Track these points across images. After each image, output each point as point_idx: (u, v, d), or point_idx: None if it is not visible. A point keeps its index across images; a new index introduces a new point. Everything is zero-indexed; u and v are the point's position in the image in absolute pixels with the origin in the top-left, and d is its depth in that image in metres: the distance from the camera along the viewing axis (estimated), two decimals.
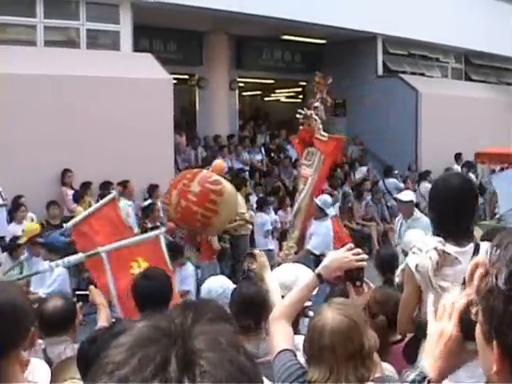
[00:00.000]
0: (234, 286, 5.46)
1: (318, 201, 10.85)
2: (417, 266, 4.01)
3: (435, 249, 3.98)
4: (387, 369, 3.57)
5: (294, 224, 10.46)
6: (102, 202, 7.50)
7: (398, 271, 4.34)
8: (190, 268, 11.14)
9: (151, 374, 1.06)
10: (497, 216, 15.00)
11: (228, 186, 7.38)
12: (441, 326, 1.75)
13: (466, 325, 1.69)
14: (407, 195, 10.99)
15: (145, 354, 1.10)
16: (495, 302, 1.39)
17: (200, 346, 1.12)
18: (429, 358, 1.82)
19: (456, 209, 4.08)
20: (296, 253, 10.34)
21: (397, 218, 11.09)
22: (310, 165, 10.41)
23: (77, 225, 7.01)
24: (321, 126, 10.47)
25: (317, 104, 10.81)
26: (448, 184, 4.21)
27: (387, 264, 6.52)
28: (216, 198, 7.10)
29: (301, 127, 10.59)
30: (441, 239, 4.04)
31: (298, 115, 10.69)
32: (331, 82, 10.96)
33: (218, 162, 9.40)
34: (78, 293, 5.25)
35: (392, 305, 4.61)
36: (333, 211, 11.16)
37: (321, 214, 11.01)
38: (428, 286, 3.99)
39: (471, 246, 4.05)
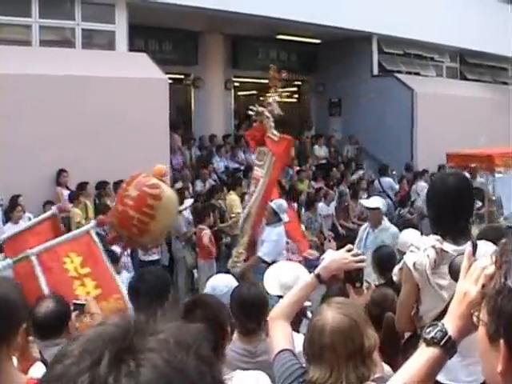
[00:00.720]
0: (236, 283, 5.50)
1: (273, 205, 10.09)
2: (414, 263, 4.02)
3: (433, 247, 3.99)
4: (388, 370, 3.56)
5: (243, 229, 9.86)
6: (40, 217, 7.32)
7: (395, 270, 4.33)
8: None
9: (86, 367, 1.10)
10: (503, 217, 15.15)
11: (167, 191, 7.11)
12: (466, 287, 1.79)
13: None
14: (373, 201, 10.36)
15: (86, 347, 1.14)
16: (504, 302, 1.40)
17: (143, 344, 1.13)
18: (451, 316, 1.84)
19: (453, 207, 4.09)
20: (246, 260, 9.81)
21: (363, 227, 10.24)
22: (262, 165, 9.92)
23: (10, 240, 6.77)
24: (272, 124, 10.06)
25: (270, 100, 10.36)
26: (445, 183, 4.22)
27: (385, 263, 6.51)
28: (153, 202, 6.78)
29: (254, 124, 10.28)
30: (439, 237, 4.05)
31: (249, 111, 10.34)
32: (285, 75, 10.50)
33: (159, 167, 8.95)
34: (74, 301, 5.24)
35: (389, 304, 4.62)
36: (286, 218, 10.17)
37: (274, 218, 10.05)
38: (426, 284, 4.00)
39: (468, 244, 4.05)
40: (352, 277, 3.58)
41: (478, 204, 14.36)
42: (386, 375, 3.29)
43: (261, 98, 28.30)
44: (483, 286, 1.69)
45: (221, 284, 5.58)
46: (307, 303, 4.26)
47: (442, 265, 3.97)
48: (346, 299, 3.37)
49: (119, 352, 1.11)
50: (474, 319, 1.64)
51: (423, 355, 1.83)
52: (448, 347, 1.81)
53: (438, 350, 1.81)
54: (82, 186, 13.37)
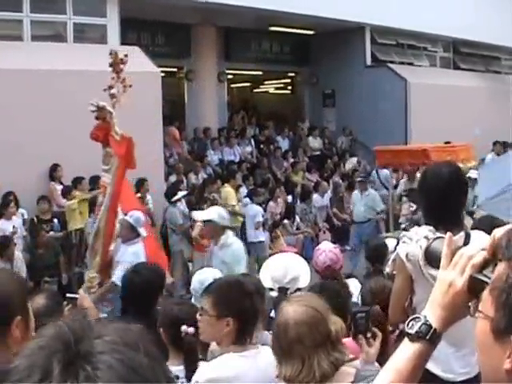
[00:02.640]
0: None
1: (129, 218, 8.64)
2: (407, 254, 4.00)
3: (425, 237, 3.98)
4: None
5: (93, 248, 8.21)
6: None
7: (389, 261, 4.32)
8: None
9: (36, 381, 1.08)
10: (476, 205, 14.66)
11: None
12: (451, 277, 1.72)
13: (471, 285, 1.69)
14: (204, 213, 8.83)
15: (31, 361, 1.11)
16: None
17: (92, 348, 1.12)
18: (433, 307, 1.79)
19: (446, 197, 4.08)
20: (100, 284, 8.18)
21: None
22: (109, 170, 8.45)
23: None
24: (116, 121, 8.38)
25: (113, 91, 8.46)
26: (438, 173, 4.21)
27: (377, 255, 6.52)
28: None
29: (97, 122, 8.52)
30: (431, 228, 4.04)
31: (90, 107, 8.46)
32: (126, 56, 8.52)
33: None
34: (68, 295, 5.23)
35: (386, 295, 4.61)
36: (144, 232, 8.75)
37: (132, 234, 8.63)
38: (419, 275, 3.99)
39: (462, 234, 4.06)
40: (361, 328, 3.54)
41: (413, 206, 13.94)
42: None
43: (254, 90, 28.52)
44: (474, 277, 1.68)
45: (208, 277, 5.51)
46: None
47: None
48: (305, 293, 3.38)
49: (70, 359, 1.10)
50: (471, 311, 1.63)
51: (408, 350, 1.78)
52: (434, 340, 1.78)
53: (424, 343, 1.78)
54: (77, 181, 13.34)
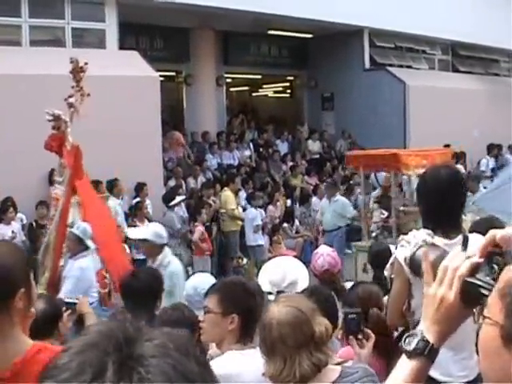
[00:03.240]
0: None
1: (75, 230, 8.14)
2: (406, 258, 4.00)
3: (424, 241, 3.97)
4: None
5: (43, 263, 7.55)
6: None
7: (387, 265, 4.32)
8: None
9: (88, 380, 1.06)
10: (472, 201, 14.61)
11: None
12: (441, 293, 1.72)
13: (465, 291, 1.68)
14: (139, 232, 8.30)
15: (83, 359, 1.09)
16: None
17: (144, 351, 1.11)
18: (428, 322, 1.79)
19: (445, 201, 4.07)
20: None
21: None
22: (62, 182, 7.96)
23: None
24: (69, 130, 7.92)
25: (71, 100, 7.99)
26: (437, 176, 4.20)
27: (380, 260, 6.50)
28: None
29: (53, 132, 8.08)
30: (430, 232, 4.04)
31: (46, 116, 8.07)
32: (87, 64, 8.06)
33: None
34: (66, 301, 5.22)
35: (374, 300, 4.60)
36: (92, 244, 8.19)
37: (79, 247, 8.19)
38: (417, 278, 3.98)
39: (460, 237, 4.05)
40: (352, 329, 3.54)
41: (384, 214, 13.50)
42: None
43: (253, 94, 28.52)
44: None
45: (201, 282, 5.49)
46: None
47: None
48: (293, 294, 3.40)
49: (124, 360, 1.09)
50: (475, 317, 1.62)
51: (407, 367, 1.77)
52: (432, 355, 1.78)
53: (422, 359, 1.78)
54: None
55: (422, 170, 12.58)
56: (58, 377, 1.09)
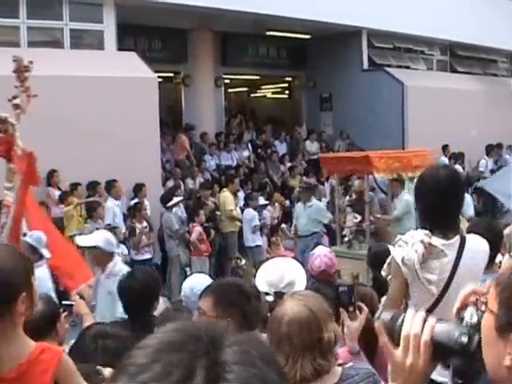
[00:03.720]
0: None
1: (28, 239, 7.88)
2: (403, 258, 4.01)
3: (421, 241, 3.98)
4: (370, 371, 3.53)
5: None
6: None
7: (384, 266, 4.32)
8: None
9: (175, 382, 1.02)
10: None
11: None
12: (410, 361, 1.68)
13: (435, 352, 1.67)
14: (88, 239, 7.75)
15: (169, 360, 1.05)
16: None
17: (229, 357, 1.07)
18: None
19: (444, 201, 4.08)
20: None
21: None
22: (12, 188, 7.47)
23: None
24: (18, 134, 7.46)
25: (17, 101, 7.43)
26: (435, 176, 4.20)
27: (379, 260, 6.50)
28: None
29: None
30: (427, 232, 4.04)
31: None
32: (31, 63, 7.51)
33: None
34: (64, 302, 5.23)
35: (368, 302, 4.60)
36: (47, 253, 7.88)
37: (34, 256, 7.78)
38: (414, 278, 3.99)
39: (457, 238, 4.07)
40: (343, 301, 3.52)
41: (357, 218, 13.01)
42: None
43: (251, 95, 28.53)
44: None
45: (198, 283, 5.47)
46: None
47: (431, 259, 3.98)
48: (312, 292, 3.35)
49: (212, 365, 1.05)
50: (480, 305, 1.63)
51: None
52: None
53: None
54: (75, 187, 13.35)
55: (397, 173, 12.60)
56: (140, 376, 1.04)
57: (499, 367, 1.43)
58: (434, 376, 3.94)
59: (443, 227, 4.08)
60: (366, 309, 3.62)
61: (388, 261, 4.24)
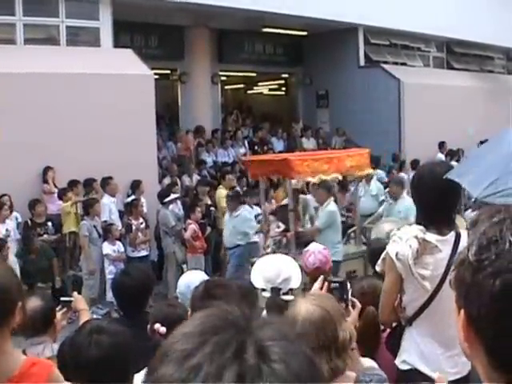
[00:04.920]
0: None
1: None
2: (397, 254, 4.01)
3: (415, 237, 3.99)
4: (374, 367, 3.53)
5: None
6: None
7: (379, 261, 4.33)
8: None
9: (228, 360, 1.04)
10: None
11: None
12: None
13: None
14: None
15: (218, 340, 1.07)
16: (465, 273, 1.44)
17: (270, 334, 1.10)
18: None
19: (440, 197, 4.09)
20: None
21: None
22: None
23: None
24: None
25: None
26: (433, 172, 4.21)
27: (378, 257, 6.51)
28: None
29: None
30: (422, 227, 4.05)
31: None
32: None
33: None
34: (62, 299, 5.23)
35: (377, 295, 4.60)
36: None
37: None
38: (409, 274, 4.00)
39: (452, 234, 4.08)
40: (337, 296, 3.49)
41: (281, 227, 11.84)
42: (366, 370, 3.30)
43: (248, 92, 28.54)
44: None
45: (195, 280, 5.46)
46: (290, 297, 4.22)
47: (425, 255, 3.98)
48: (324, 293, 3.34)
49: (257, 342, 1.07)
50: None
51: None
52: None
53: None
54: (73, 184, 13.34)
55: (325, 177, 11.24)
56: (189, 361, 1.05)
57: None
58: (428, 372, 3.98)
59: (439, 223, 4.09)
60: (358, 305, 3.62)
61: (382, 256, 4.26)
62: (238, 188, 15.92)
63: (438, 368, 3.99)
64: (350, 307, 3.49)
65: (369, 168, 12.57)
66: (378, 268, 4.35)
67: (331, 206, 11.50)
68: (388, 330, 4.51)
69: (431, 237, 4.02)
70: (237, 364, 1.03)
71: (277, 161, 11.79)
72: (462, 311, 1.46)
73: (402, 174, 17.36)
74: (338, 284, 3.52)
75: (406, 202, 11.34)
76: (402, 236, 4.06)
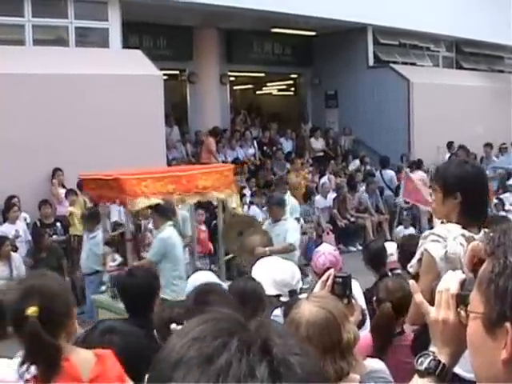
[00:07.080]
0: (219, 280, 5.44)
1: None
2: (446, 253, 3.80)
3: (462, 235, 3.81)
4: (381, 369, 3.50)
5: None
6: None
7: (413, 262, 4.13)
8: None
9: (257, 357, 1.04)
10: None
11: None
12: (442, 316, 1.77)
13: (461, 305, 1.72)
14: None
15: (240, 340, 1.06)
16: (509, 282, 1.36)
17: (276, 333, 1.10)
18: (438, 344, 1.83)
19: (485, 195, 4.03)
20: None
21: None
22: None
23: None
24: None
25: None
26: (477, 169, 4.09)
27: (377, 258, 6.49)
28: None
29: None
30: (460, 226, 3.89)
31: None
32: None
33: None
34: None
35: (399, 295, 4.54)
36: None
37: None
38: None
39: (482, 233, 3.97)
40: (337, 292, 3.43)
41: (116, 260, 10.10)
42: (372, 372, 3.27)
43: (257, 92, 28.53)
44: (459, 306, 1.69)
45: (203, 280, 5.45)
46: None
47: None
48: (327, 294, 3.31)
49: (273, 340, 1.08)
50: (462, 317, 1.64)
51: None
52: (443, 376, 1.80)
53: (434, 379, 1.80)
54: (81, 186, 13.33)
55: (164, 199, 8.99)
56: (214, 363, 1.04)
57: (491, 367, 1.41)
58: (461, 372, 3.90)
59: (480, 221, 3.92)
60: (359, 303, 3.57)
61: (417, 257, 4.04)
62: (246, 188, 15.91)
63: (470, 367, 3.90)
64: (353, 302, 3.43)
65: (231, 188, 10.12)
66: (411, 270, 4.15)
67: (165, 232, 9.27)
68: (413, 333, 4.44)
69: (475, 235, 3.90)
70: (266, 360, 1.04)
71: (107, 180, 9.28)
72: (509, 326, 1.36)
73: (421, 173, 17.02)
74: (341, 279, 3.46)
75: (287, 225, 10.02)
76: (446, 235, 3.82)
